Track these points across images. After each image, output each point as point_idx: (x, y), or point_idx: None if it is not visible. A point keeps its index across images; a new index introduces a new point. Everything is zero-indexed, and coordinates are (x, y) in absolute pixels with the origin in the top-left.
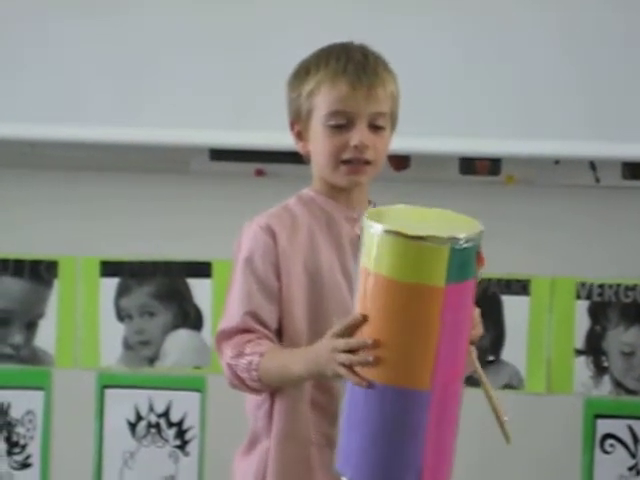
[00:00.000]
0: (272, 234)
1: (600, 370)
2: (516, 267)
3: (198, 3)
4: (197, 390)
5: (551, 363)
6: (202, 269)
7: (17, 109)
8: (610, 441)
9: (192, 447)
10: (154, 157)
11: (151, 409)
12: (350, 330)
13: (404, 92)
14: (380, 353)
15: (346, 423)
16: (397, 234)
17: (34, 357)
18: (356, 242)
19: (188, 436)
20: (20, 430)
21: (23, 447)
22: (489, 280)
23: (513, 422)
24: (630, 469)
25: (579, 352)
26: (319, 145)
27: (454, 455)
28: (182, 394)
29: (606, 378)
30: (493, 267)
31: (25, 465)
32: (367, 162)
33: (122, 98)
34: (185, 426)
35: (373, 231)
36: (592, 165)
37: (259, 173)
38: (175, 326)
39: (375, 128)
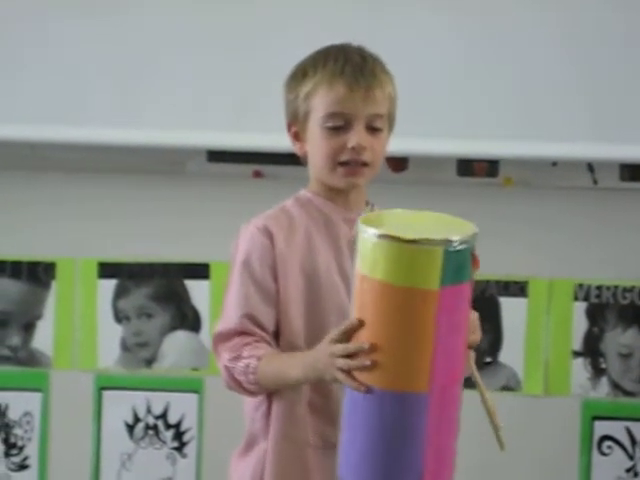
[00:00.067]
0: (269, 236)
1: (598, 372)
2: (514, 269)
3: (198, 3)
4: (195, 392)
5: (549, 365)
6: (200, 271)
7: (16, 110)
8: (608, 443)
9: (190, 449)
10: (152, 159)
11: (149, 411)
12: (347, 335)
13: (402, 93)
14: (377, 357)
15: (346, 428)
16: (390, 238)
17: (32, 359)
18: (353, 243)
19: (186, 438)
20: (18, 432)
21: (21, 449)
22: (487, 282)
23: (511, 424)
24: (628, 471)
25: (577, 354)
26: (316, 147)
27: (455, 459)
28: (180, 396)
29: (604, 380)
30: (491, 269)
31: (23, 467)
32: (364, 164)
33: (120, 99)
34: (183, 428)
35: (367, 236)
36: (590, 167)
37: (257, 175)
38: (173, 328)
39: (373, 130)
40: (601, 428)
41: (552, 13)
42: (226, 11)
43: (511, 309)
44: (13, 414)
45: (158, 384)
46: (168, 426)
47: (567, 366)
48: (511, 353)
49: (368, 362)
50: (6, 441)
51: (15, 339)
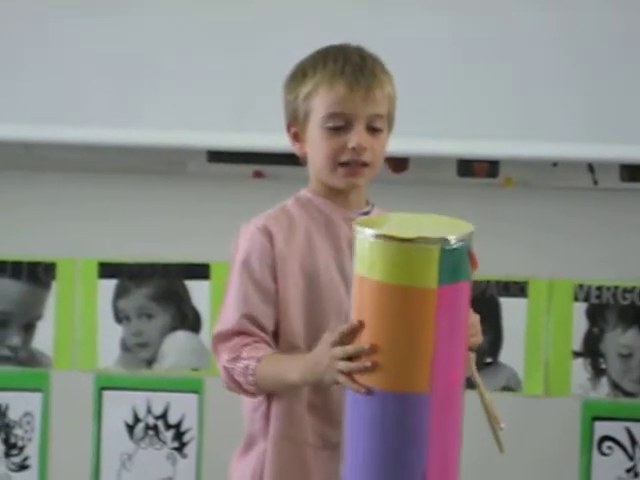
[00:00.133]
0: (269, 235)
1: (598, 372)
2: (514, 269)
3: (198, 3)
4: (195, 392)
5: (549, 365)
6: (200, 271)
7: (16, 110)
8: (608, 443)
9: (190, 449)
10: (152, 159)
11: (149, 411)
12: (347, 337)
13: (402, 93)
14: (378, 358)
15: (348, 430)
16: (387, 238)
17: (32, 359)
18: (354, 243)
19: (186, 438)
20: (18, 432)
21: (21, 449)
22: (487, 282)
23: (511, 424)
24: (628, 471)
25: (577, 354)
26: (316, 147)
27: (459, 460)
28: (180, 396)
29: (604, 380)
30: (491, 269)
31: (23, 467)
32: (365, 164)
33: (120, 99)
34: (183, 428)
35: (363, 237)
36: (590, 167)
37: (257, 175)
38: (173, 328)
39: (373, 130)
40: (601, 428)
41: (552, 13)
42: (226, 11)
43: (511, 309)
44: (13, 414)
45: (158, 384)
46: (168, 426)
47: (567, 366)
48: (511, 353)
49: (369, 363)
50: (6, 441)
51: (15, 339)
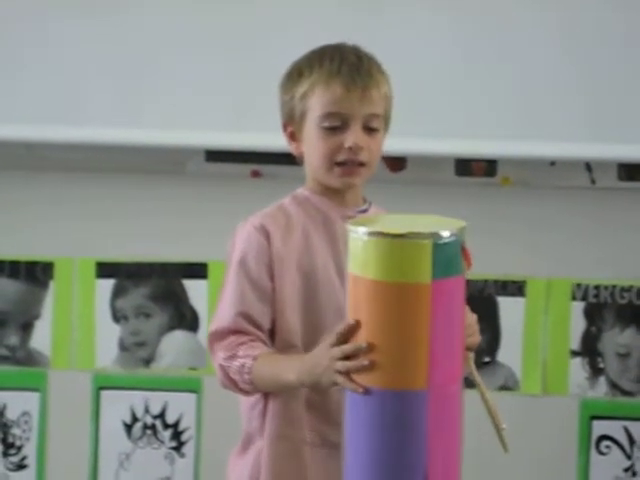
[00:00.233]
0: (266, 234)
1: (596, 371)
2: (512, 268)
3: (198, 3)
4: (193, 391)
5: (547, 364)
6: (198, 270)
7: (16, 110)
8: (606, 442)
9: (188, 448)
10: (150, 158)
11: (147, 410)
12: (344, 337)
13: (401, 93)
14: (375, 356)
15: (348, 429)
16: (379, 234)
17: (30, 358)
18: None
19: (184, 437)
20: (16, 431)
21: (19, 448)
22: (485, 281)
23: (509, 424)
24: (626, 470)
25: (575, 353)
26: (313, 147)
27: (460, 458)
28: (178, 395)
29: (602, 379)
30: (489, 268)
31: (21, 466)
32: (361, 164)
33: (120, 99)
34: (181, 427)
35: (356, 235)
36: (588, 166)
37: (255, 174)
38: (171, 327)
39: (369, 130)
40: (599, 428)
41: (552, 13)
42: (226, 11)
43: (509, 309)
44: (11, 414)
45: (156, 384)
46: (166, 426)
47: (565, 366)
48: (509, 353)
49: (366, 362)
50: (4, 441)
51: (13, 339)
